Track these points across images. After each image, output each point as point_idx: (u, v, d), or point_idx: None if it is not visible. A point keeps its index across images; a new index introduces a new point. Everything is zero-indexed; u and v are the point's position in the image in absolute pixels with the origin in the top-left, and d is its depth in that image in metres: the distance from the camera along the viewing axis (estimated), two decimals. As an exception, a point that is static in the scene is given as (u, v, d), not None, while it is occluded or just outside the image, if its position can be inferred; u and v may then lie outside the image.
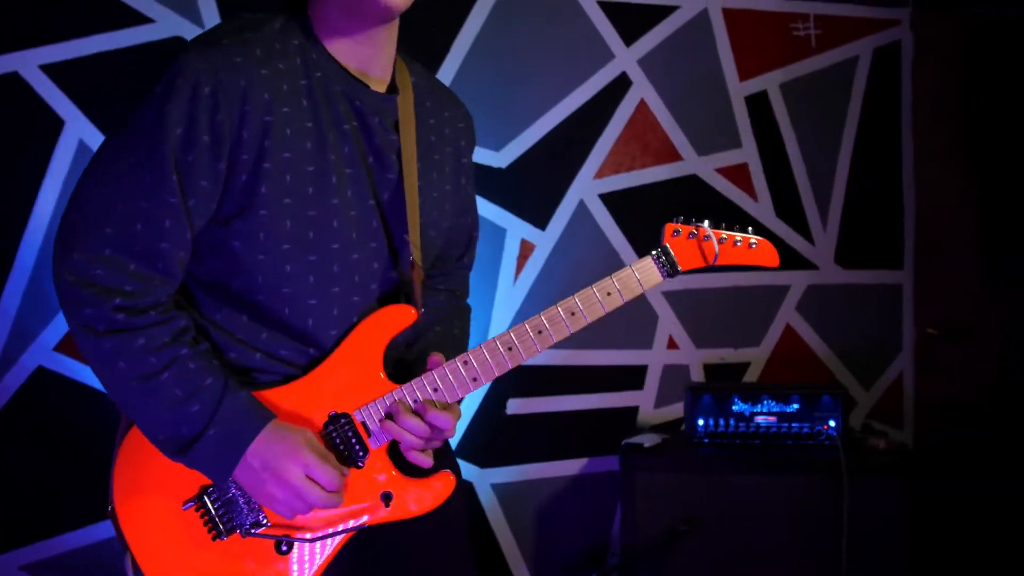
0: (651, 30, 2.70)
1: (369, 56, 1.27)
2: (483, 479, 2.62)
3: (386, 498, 1.25)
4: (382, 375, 1.26)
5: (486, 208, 2.70)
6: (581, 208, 2.69)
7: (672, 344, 2.73)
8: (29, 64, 2.34)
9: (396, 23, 1.28)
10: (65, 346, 2.35)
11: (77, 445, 2.33)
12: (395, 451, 1.26)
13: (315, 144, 1.21)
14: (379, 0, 1.19)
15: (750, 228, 1.40)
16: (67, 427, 2.35)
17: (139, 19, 2.40)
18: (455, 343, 1.43)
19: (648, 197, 2.71)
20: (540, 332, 1.29)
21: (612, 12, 2.67)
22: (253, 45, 1.18)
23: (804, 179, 2.81)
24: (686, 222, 1.37)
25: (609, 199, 2.70)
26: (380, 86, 1.30)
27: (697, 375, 2.76)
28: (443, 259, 1.46)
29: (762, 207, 2.80)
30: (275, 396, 1.23)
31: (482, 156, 2.58)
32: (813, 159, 2.88)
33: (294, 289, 1.25)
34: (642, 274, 1.35)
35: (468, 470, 2.61)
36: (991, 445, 2.74)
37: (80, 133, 2.36)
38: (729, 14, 2.75)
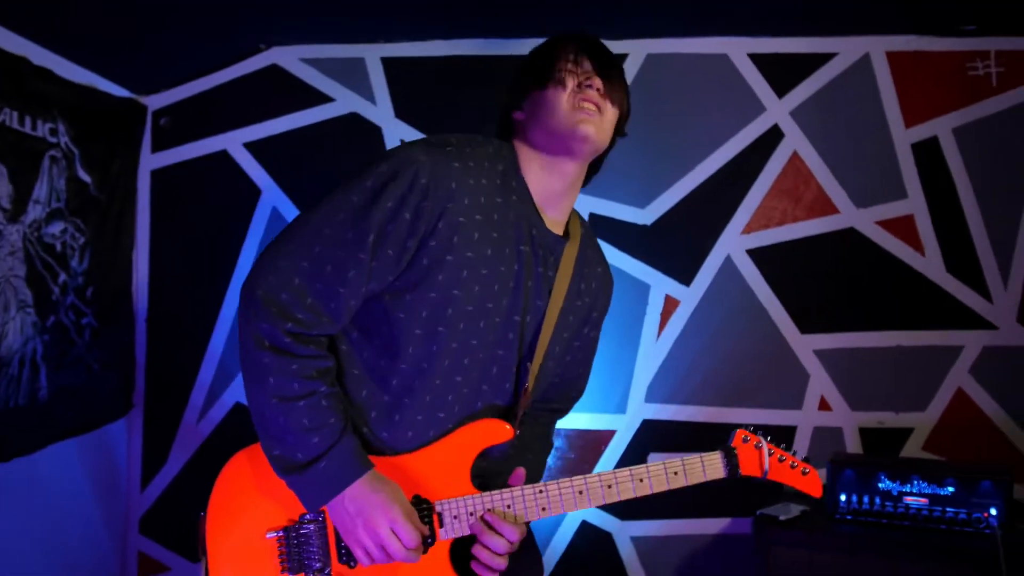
0: (805, 79, 2.49)
1: (554, 193, 1.40)
2: (623, 531, 2.55)
3: None
4: (468, 478, 1.34)
5: (631, 264, 2.63)
6: (727, 264, 2.53)
7: (824, 405, 2.50)
8: (235, 142, 2.56)
9: (583, 171, 1.43)
10: None
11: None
12: (455, 556, 1.33)
13: (494, 253, 1.33)
14: (575, 131, 1.34)
15: (808, 459, 1.52)
16: None
17: (322, 99, 2.55)
18: (536, 471, 1.49)
19: (800, 252, 2.50)
20: (609, 487, 1.36)
21: (763, 64, 2.55)
22: (468, 158, 1.32)
23: (980, 231, 2.46)
24: (755, 433, 1.47)
25: (757, 254, 2.52)
26: (555, 227, 1.43)
27: (852, 440, 2.50)
28: (552, 396, 1.57)
29: (930, 262, 2.49)
30: (376, 461, 1.32)
31: (628, 214, 2.57)
32: (992, 208, 2.55)
33: (431, 366, 1.35)
34: (708, 466, 1.41)
35: (608, 522, 2.53)
36: None
37: (274, 201, 2.57)
38: (894, 57, 2.52)
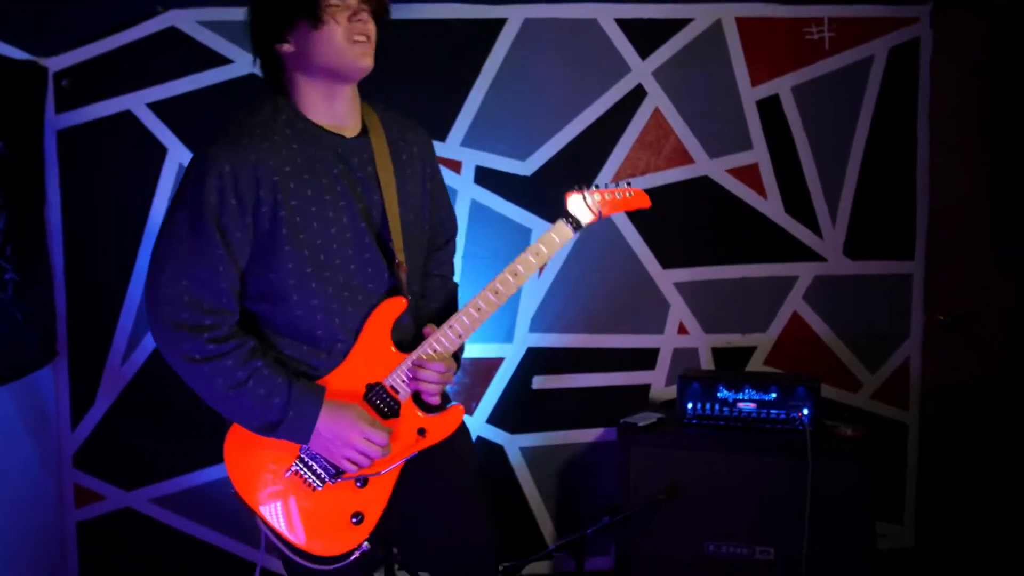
0: (665, 43, 2.66)
1: (340, 112, 1.55)
2: (512, 443, 2.78)
3: (421, 432, 1.57)
4: (393, 350, 1.56)
5: (514, 211, 2.79)
6: (599, 209, 2.68)
7: (682, 329, 2.76)
8: (138, 103, 2.58)
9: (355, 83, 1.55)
10: None
11: (191, 406, 2.61)
12: (418, 401, 1.59)
13: (314, 189, 1.49)
14: (356, 64, 1.48)
15: (630, 183, 1.69)
16: (182, 391, 2.63)
17: (221, 60, 2.58)
18: (444, 314, 1.65)
19: (663, 198, 2.71)
20: (496, 292, 1.56)
21: (628, 28, 2.76)
22: (253, 128, 1.48)
23: (814, 177, 2.73)
24: (579, 188, 1.63)
25: None
26: (354, 132, 1.57)
27: (705, 358, 2.79)
28: (432, 247, 1.73)
29: (771, 204, 2.74)
30: (324, 382, 1.54)
31: (510, 166, 2.73)
32: (824, 157, 2.86)
33: (320, 301, 1.52)
34: (559, 233, 1.60)
35: (499, 435, 2.76)
36: (998, 425, 2.59)
37: (180, 158, 2.59)
38: (742, 23, 2.72)
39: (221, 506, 2.80)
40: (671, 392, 2.86)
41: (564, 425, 2.86)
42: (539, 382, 2.85)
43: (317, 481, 1.57)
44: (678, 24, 2.75)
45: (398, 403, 1.57)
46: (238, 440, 1.57)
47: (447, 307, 1.73)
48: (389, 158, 1.57)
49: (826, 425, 2.37)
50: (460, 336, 1.56)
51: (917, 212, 2.83)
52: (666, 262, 2.84)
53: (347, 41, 1.45)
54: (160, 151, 2.68)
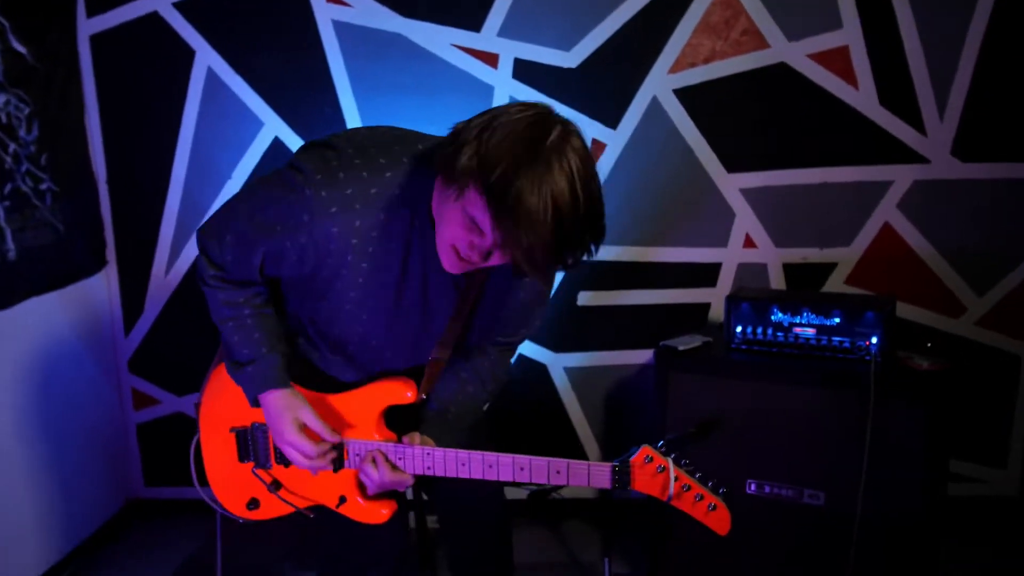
0: (736, -98, 2.09)
1: None
2: (556, 363, 2.47)
3: (341, 499, 1.47)
4: (374, 426, 1.44)
5: (557, 108, 2.32)
6: (654, 105, 2.27)
7: (749, 242, 2.31)
8: (165, 3, 2.35)
9: None
10: None
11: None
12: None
13: (380, 272, 1.32)
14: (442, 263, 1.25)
15: (722, 491, 1.33)
16: None
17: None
18: (448, 429, 1.47)
19: (728, 90, 2.22)
20: (490, 467, 1.34)
21: None
22: (355, 199, 1.24)
23: (920, 61, 2.16)
24: (665, 454, 1.30)
25: (684, 94, 2.26)
26: None
27: (776, 276, 2.33)
28: (491, 339, 1.52)
29: (863, 95, 2.21)
30: (309, 395, 1.46)
31: (553, 57, 2.37)
32: (933, 36, 2.29)
33: (343, 338, 1.43)
34: (594, 474, 1.30)
35: (543, 354, 2.43)
36: None
37: (208, 61, 2.34)
38: None
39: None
40: (733, 313, 2.39)
41: (612, 346, 2.51)
42: (585, 298, 2.47)
43: (242, 454, 1.55)
44: None
45: (342, 463, 1.46)
46: (219, 374, 1.55)
47: (452, 423, 1.49)
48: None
49: (899, 356, 1.93)
50: (429, 469, 1.37)
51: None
52: (731, 165, 2.35)
53: (450, 252, 1.21)
54: (188, 54, 2.42)
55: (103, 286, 2.67)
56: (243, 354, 1.40)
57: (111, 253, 2.66)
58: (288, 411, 1.40)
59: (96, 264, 2.63)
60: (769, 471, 2.02)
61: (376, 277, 1.31)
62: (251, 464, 1.53)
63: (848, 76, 2.34)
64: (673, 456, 1.29)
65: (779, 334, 2.06)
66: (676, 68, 2.40)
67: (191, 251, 2.67)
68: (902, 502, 1.89)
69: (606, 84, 2.44)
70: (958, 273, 2.41)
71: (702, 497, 1.30)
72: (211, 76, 2.53)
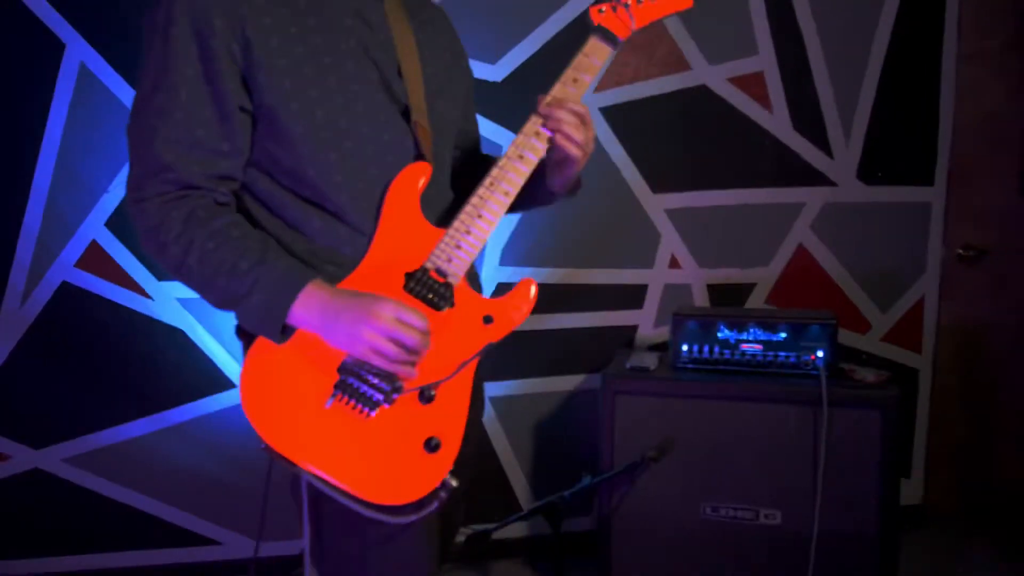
0: (660, -74, 1.98)
1: None
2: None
3: (487, 320, 1.16)
4: (427, 225, 1.15)
5: (481, 123, 2.11)
6: (581, 123, 2.07)
7: (674, 263, 2.19)
8: (27, -13, 1.93)
9: None
10: (84, 263, 2.02)
11: (100, 351, 2.05)
12: (472, 281, 1.18)
13: (324, 40, 1.10)
14: None
15: None
16: (90, 335, 2.25)
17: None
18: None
19: (652, 110, 2.09)
20: (538, 134, 1.16)
21: None
22: None
23: (827, 88, 2.14)
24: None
25: (609, 113, 2.11)
26: None
27: (700, 296, 2.21)
28: (464, 146, 1.35)
29: (777, 119, 2.15)
30: (351, 283, 1.12)
31: (478, 70, 2.06)
32: (839, 66, 2.38)
33: (344, 177, 1.12)
34: (593, 52, 1.18)
35: (465, 383, 2.15)
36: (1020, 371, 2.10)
37: (81, 55, 1.95)
38: None
39: (145, 465, 2.22)
40: (661, 334, 2.32)
41: (540, 372, 2.31)
42: (511, 323, 2.24)
43: (368, 405, 1.09)
44: (675, -97, 2.10)
45: (450, 287, 1.14)
46: (256, 379, 1.09)
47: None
48: (406, 20, 1.18)
49: (843, 369, 1.94)
50: (507, 194, 1.14)
51: (940, 131, 2.28)
52: (657, 186, 2.26)
53: None
54: (57, 47, 2.01)
55: (-65, 322, 2.16)
56: (241, 268, 1.04)
57: (-53, 282, 2.16)
58: (343, 296, 1.06)
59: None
60: (724, 492, 1.92)
61: (316, 46, 1.09)
62: (382, 408, 1.10)
63: (764, 100, 2.36)
64: None
65: (726, 351, 1.98)
66: (601, 87, 2.32)
67: (54, 275, 2.23)
68: (859, 516, 1.85)
69: (532, 99, 2.30)
70: (864, 291, 2.46)
71: None
72: (84, 72, 2.15)
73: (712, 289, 2.46)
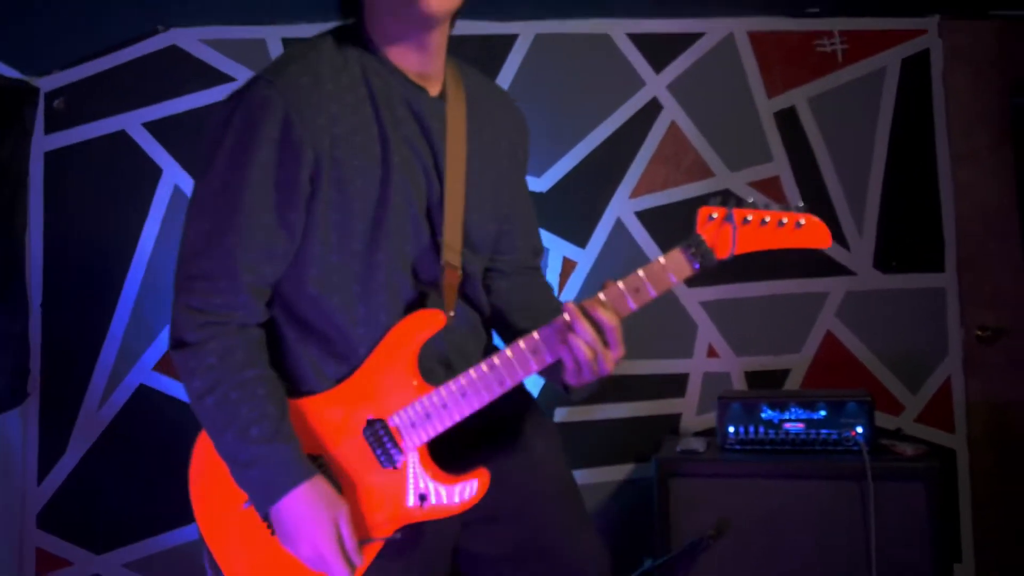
0: (679, 56, 2.35)
1: (423, 62, 1.12)
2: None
3: (421, 498, 1.08)
4: (415, 382, 1.09)
5: None
6: (618, 226, 2.36)
7: (712, 352, 2.33)
8: (134, 122, 2.20)
9: (446, 30, 1.13)
10: (162, 366, 2.14)
11: (174, 453, 2.14)
12: (435, 452, 1.11)
13: (381, 149, 1.08)
14: (419, 7, 1.03)
15: (799, 204, 1.09)
16: (164, 437, 2.33)
17: (223, 79, 2.22)
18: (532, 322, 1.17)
19: (682, 212, 2.34)
20: (561, 332, 1.09)
21: (641, 43, 2.60)
22: (316, 64, 1.07)
23: (837, 188, 2.38)
24: (723, 203, 1.08)
25: (644, 216, 2.37)
26: (436, 90, 1.15)
27: (738, 383, 2.34)
28: (511, 254, 1.27)
29: None
30: (320, 402, 1.10)
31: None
32: (845, 168, 2.61)
33: (349, 305, 1.09)
34: (671, 265, 1.08)
35: (519, 473, 2.22)
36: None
37: (175, 179, 2.18)
38: (754, 36, 2.59)
39: (200, 568, 2.21)
40: (704, 421, 2.43)
41: (591, 462, 2.41)
42: (561, 415, 2.37)
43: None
44: (690, 38, 2.52)
45: (400, 453, 1.08)
46: (203, 451, 1.13)
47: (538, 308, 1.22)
48: (465, 136, 1.14)
49: (882, 444, 2.06)
50: (501, 386, 1.08)
51: (944, 222, 2.49)
52: (691, 281, 2.42)
53: None
54: (154, 172, 2.29)
55: (18, 425, 2.27)
56: (251, 435, 1.01)
57: (34, 384, 2.29)
58: (329, 509, 1.03)
59: (14, 399, 2.25)
60: (781, 568, 1.98)
61: (374, 155, 1.07)
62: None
63: (781, 200, 2.58)
64: (732, 200, 1.07)
65: (770, 431, 2.09)
66: (636, 193, 2.57)
67: (133, 378, 2.37)
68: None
69: (574, 207, 2.55)
70: (893, 373, 2.57)
71: (784, 222, 1.05)
72: (177, 193, 2.40)
73: (750, 376, 2.57)
